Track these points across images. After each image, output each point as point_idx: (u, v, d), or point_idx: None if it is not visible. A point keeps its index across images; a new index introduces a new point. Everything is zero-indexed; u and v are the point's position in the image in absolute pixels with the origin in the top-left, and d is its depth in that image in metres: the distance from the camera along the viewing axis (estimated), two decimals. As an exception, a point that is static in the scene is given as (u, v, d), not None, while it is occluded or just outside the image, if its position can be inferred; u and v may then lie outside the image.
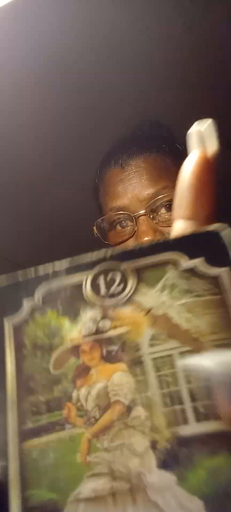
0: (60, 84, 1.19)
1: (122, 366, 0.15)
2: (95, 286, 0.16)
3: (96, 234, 0.55)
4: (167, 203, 0.51)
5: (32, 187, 1.66)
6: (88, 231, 0.60)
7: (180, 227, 0.17)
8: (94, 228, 0.55)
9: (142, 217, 0.51)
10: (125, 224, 0.53)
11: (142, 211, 0.51)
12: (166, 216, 0.51)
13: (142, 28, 1.04)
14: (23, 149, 1.43)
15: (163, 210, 0.51)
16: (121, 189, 0.52)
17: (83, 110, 1.29)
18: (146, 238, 0.49)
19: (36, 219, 1.86)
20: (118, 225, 0.53)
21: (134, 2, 0.97)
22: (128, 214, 0.52)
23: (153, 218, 0.51)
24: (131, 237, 0.52)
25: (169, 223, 0.50)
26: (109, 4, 0.96)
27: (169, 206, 0.51)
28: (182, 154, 0.54)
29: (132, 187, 0.52)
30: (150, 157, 0.52)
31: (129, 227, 0.53)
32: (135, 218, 0.51)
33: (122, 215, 0.52)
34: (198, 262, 0.16)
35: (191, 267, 0.16)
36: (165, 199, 0.51)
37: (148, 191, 0.51)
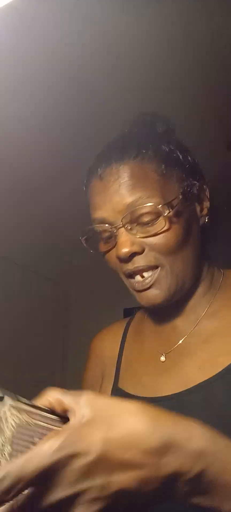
0: (60, 84, 1.20)
1: None
2: None
3: (84, 244, 0.55)
4: (143, 215, 0.49)
5: (32, 188, 1.67)
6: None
7: None
8: (81, 238, 0.55)
9: (120, 228, 0.50)
10: (107, 235, 0.53)
11: (119, 223, 0.50)
12: (144, 228, 0.50)
13: (142, 27, 1.04)
14: (23, 149, 1.44)
15: (141, 221, 0.50)
16: (99, 200, 0.52)
17: (83, 110, 1.30)
18: (123, 250, 0.49)
19: (36, 219, 1.87)
20: (102, 235, 0.53)
21: (134, 2, 0.98)
22: (108, 227, 0.51)
23: (131, 229, 0.50)
24: (113, 248, 0.52)
25: (147, 233, 0.50)
26: (110, 4, 0.96)
27: (144, 219, 0.50)
28: (168, 156, 0.53)
29: (109, 198, 0.51)
30: (126, 165, 0.51)
31: (111, 239, 0.52)
32: (115, 229, 0.51)
33: (102, 227, 0.52)
34: None
35: None
36: (142, 210, 0.49)
37: (124, 201, 0.50)
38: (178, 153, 0.52)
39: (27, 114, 1.29)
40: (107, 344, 0.63)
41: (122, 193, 0.50)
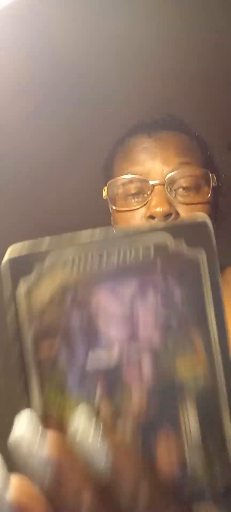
0: (61, 83, 1.20)
1: None
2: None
3: (105, 197, 0.54)
4: (188, 180, 0.49)
5: (33, 187, 1.67)
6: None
7: None
8: (105, 189, 0.54)
9: (159, 187, 0.49)
10: (137, 192, 0.51)
11: (160, 181, 0.49)
12: (184, 194, 0.50)
13: (143, 28, 1.04)
14: (24, 149, 1.43)
15: (181, 186, 0.50)
16: (144, 155, 0.51)
17: (84, 111, 1.30)
18: (159, 209, 0.48)
19: (36, 218, 1.86)
20: (131, 191, 0.52)
21: (134, 2, 0.98)
22: (145, 181, 0.50)
23: (170, 191, 0.49)
24: (142, 206, 0.51)
25: (184, 200, 0.49)
26: (111, 3, 0.97)
27: (188, 185, 0.49)
28: (206, 145, 0.54)
29: (155, 156, 0.50)
30: (178, 135, 0.52)
31: (141, 197, 0.51)
32: (152, 186, 0.49)
33: (138, 181, 0.51)
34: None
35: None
36: (186, 174, 0.49)
37: (170, 162, 0.50)
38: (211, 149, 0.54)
39: (27, 114, 1.29)
40: None
41: (169, 154, 0.50)
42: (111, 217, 0.54)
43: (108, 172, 0.56)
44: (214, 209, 0.52)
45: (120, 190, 0.52)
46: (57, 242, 0.21)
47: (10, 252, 0.22)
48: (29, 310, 0.19)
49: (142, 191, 0.51)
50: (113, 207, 0.53)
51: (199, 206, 0.49)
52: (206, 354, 0.19)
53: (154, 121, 0.53)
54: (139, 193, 0.51)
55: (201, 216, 0.21)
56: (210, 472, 0.18)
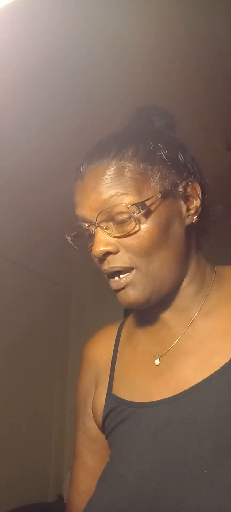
0: (60, 85, 1.20)
1: None
2: None
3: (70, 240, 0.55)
4: (119, 213, 0.48)
5: (33, 188, 1.67)
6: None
7: None
8: (66, 235, 0.55)
9: (96, 228, 0.50)
10: (89, 233, 0.52)
11: (93, 222, 0.50)
12: (120, 226, 0.49)
13: (143, 28, 1.04)
14: (24, 148, 1.44)
15: (117, 220, 0.49)
16: (80, 199, 0.52)
17: (84, 110, 1.30)
18: (97, 249, 0.49)
19: (37, 219, 1.86)
20: (84, 234, 0.53)
21: (135, 2, 0.98)
22: (84, 225, 0.51)
23: (107, 228, 0.49)
24: (91, 247, 0.52)
25: (122, 233, 0.49)
26: (111, 3, 0.96)
27: (120, 217, 0.48)
28: (150, 154, 0.49)
29: (87, 196, 0.50)
30: (105, 164, 0.50)
31: (92, 236, 0.52)
32: (94, 227, 0.50)
33: (83, 225, 0.52)
34: None
35: None
36: (116, 209, 0.48)
37: (99, 199, 0.49)
38: (164, 151, 0.50)
39: (27, 114, 1.29)
40: (100, 349, 0.62)
41: (98, 190, 0.49)
42: None
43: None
44: (160, 230, 0.49)
45: (77, 234, 0.54)
46: None
47: None
48: None
49: (90, 232, 0.51)
50: (76, 248, 0.55)
51: (134, 236, 0.48)
52: None
53: (87, 157, 0.53)
54: (89, 234, 0.52)
55: None
56: None
